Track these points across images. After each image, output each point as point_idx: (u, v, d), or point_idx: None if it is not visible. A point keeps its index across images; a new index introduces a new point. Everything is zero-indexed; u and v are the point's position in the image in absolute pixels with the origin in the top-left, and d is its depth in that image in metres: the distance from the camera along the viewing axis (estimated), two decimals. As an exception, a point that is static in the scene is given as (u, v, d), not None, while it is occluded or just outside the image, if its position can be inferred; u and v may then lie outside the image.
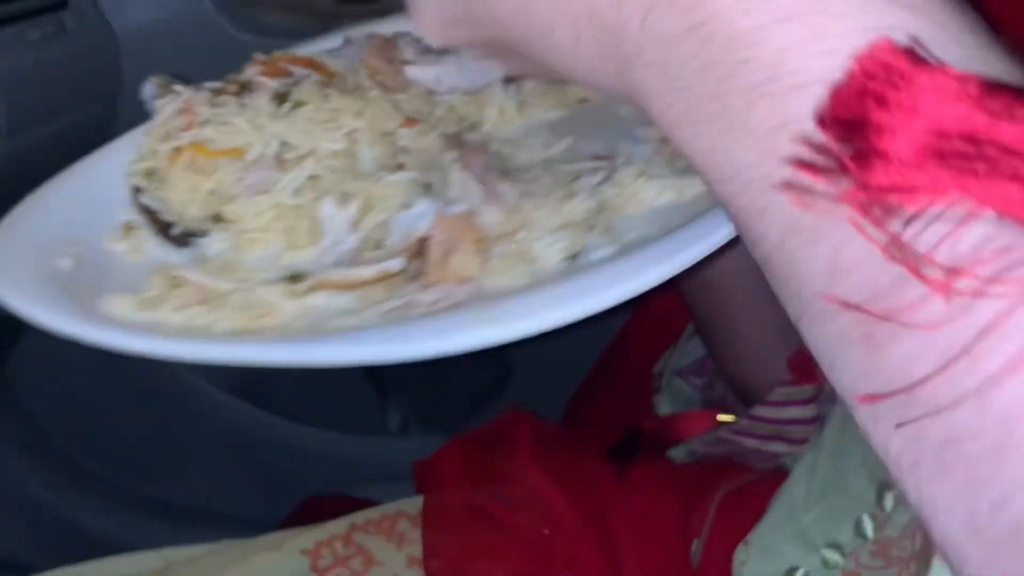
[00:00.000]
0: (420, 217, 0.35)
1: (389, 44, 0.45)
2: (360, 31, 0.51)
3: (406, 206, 0.37)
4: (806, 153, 0.18)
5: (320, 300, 0.35)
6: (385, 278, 0.34)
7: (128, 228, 0.41)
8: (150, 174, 0.42)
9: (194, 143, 0.42)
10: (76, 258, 0.38)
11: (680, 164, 0.39)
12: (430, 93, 0.44)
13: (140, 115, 0.47)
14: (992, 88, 0.17)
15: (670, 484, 0.51)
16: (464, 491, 0.53)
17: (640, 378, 0.61)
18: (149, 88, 0.46)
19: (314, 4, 0.94)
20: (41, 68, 0.71)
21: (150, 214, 0.41)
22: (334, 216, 0.39)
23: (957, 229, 0.17)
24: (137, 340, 0.32)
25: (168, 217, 0.40)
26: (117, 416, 0.97)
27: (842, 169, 0.18)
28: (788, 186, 0.19)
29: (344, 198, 0.39)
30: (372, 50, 0.44)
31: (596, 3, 0.22)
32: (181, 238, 0.40)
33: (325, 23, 0.82)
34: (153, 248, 0.40)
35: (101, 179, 0.43)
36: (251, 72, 0.45)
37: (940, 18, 0.19)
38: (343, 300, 0.35)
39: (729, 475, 0.49)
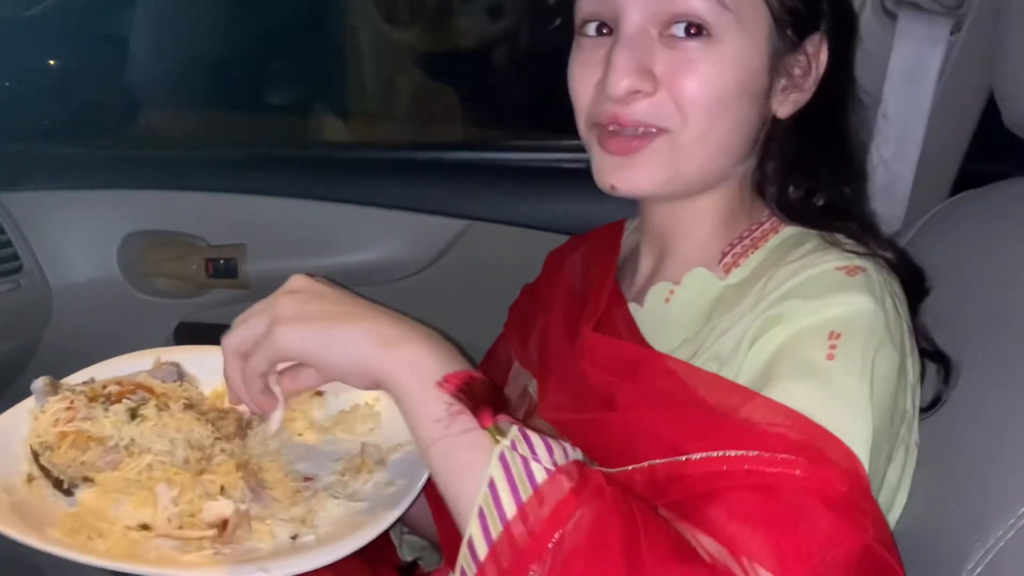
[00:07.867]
0: (224, 507, 0.70)
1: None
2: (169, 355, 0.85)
3: (211, 495, 0.71)
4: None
5: (164, 542, 0.67)
6: (204, 538, 0.68)
7: (31, 478, 0.68)
8: (44, 446, 0.71)
9: (77, 430, 0.72)
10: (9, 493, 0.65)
11: (350, 490, 0.78)
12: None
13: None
14: None
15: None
16: None
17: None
18: (38, 384, 0.75)
19: (192, 277, 1.32)
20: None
21: (46, 472, 0.69)
22: (165, 493, 0.71)
23: None
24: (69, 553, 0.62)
25: (58, 474, 0.69)
26: None
27: None
28: None
29: (170, 483, 0.71)
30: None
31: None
32: (67, 490, 0.69)
33: (198, 290, 1.32)
34: (49, 494, 0.68)
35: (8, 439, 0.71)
36: (112, 388, 0.76)
37: None
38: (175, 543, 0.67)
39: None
